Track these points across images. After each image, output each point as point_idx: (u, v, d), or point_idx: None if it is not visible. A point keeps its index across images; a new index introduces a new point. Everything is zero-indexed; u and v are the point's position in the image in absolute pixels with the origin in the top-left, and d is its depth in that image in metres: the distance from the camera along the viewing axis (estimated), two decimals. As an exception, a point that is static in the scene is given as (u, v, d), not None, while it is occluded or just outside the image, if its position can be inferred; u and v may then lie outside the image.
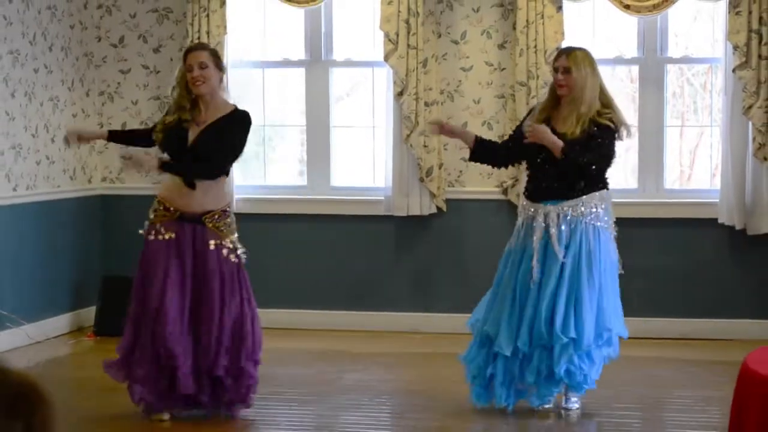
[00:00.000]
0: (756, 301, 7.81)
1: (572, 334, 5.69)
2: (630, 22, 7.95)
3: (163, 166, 5.69)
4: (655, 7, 7.69)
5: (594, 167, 5.77)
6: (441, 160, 8.05)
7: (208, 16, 8.09)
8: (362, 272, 8.28)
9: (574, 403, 5.96)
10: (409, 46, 7.89)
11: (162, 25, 8.47)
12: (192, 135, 5.72)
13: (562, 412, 5.94)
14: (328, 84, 8.37)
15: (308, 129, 8.42)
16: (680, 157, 8.74)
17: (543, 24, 7.73)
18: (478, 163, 6.30)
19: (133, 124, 8.36)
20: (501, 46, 8.02)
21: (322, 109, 8.36)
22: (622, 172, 8.38)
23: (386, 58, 7.95)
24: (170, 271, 5.63)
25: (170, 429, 5.70)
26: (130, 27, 8.51)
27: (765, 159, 7.57)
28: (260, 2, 8.36)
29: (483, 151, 6.11)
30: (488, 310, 5.92)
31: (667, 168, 8.11)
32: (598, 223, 5.82)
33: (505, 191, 8.00)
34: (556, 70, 5.86)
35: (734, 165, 7.67)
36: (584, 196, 5.81)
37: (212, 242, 5.69)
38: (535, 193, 5.91)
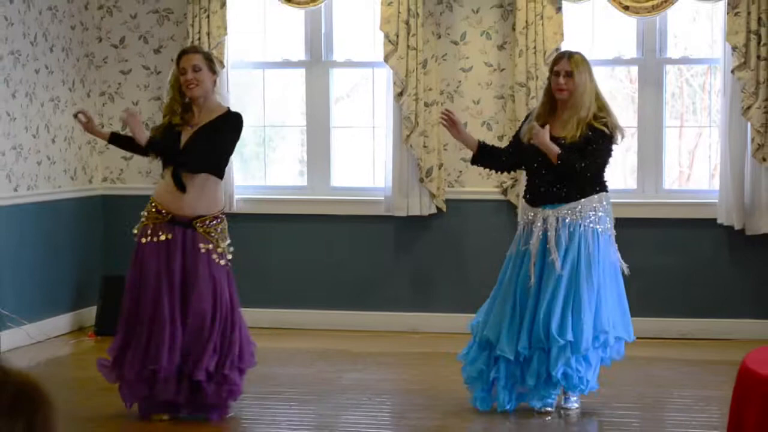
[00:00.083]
0: (755, 300, 7.82)
1: (569, 336, 5.69)
2: (629, 23, 7.95)
3: (150, 144, 5.69)
4: (654, 8, 7.70)
5: (589, 174, 5.77)
6: (441, 160, 8.06)
7: (208, 17, 8.10)
8: (362, 272, 8.29)
9: (574, 402, 5.96)
10: (408, 46, 7.89)
11: (162, 26, 8.48)
12: (185, 137, 5.73)
13: (562, 411, 5.94)
14: (329, 84, 8.37)
15: (308, 129, 8.42)
16: (679, 157, 8.73)
17: (542, 25, 7.74)
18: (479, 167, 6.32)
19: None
20: (500, 47, 8.03)
21: (322, 110, 8.37)
22: (622, 172, 8.39)
23: (386, 58, 7.96)
24: (162, 275, 5.64)
25: (170, 429, 5.71)
26: (130, 28, 8.53)
27: (764, 159, 7.58)
28: (260, 3, 8.37)
29: (486, 157, 6.11)
30: (488, 314, 5.92)
31: (666, 168, 8.12)
32: (598, 226, 5.81)
33: (504, 191, 8.01)
34: (557, 74, 5.80)
35: (733, 165, 7.67)
36: (583, 200, 5.81)
37: (203, 246, 5.69)
38: (533, 198, 5.91)
